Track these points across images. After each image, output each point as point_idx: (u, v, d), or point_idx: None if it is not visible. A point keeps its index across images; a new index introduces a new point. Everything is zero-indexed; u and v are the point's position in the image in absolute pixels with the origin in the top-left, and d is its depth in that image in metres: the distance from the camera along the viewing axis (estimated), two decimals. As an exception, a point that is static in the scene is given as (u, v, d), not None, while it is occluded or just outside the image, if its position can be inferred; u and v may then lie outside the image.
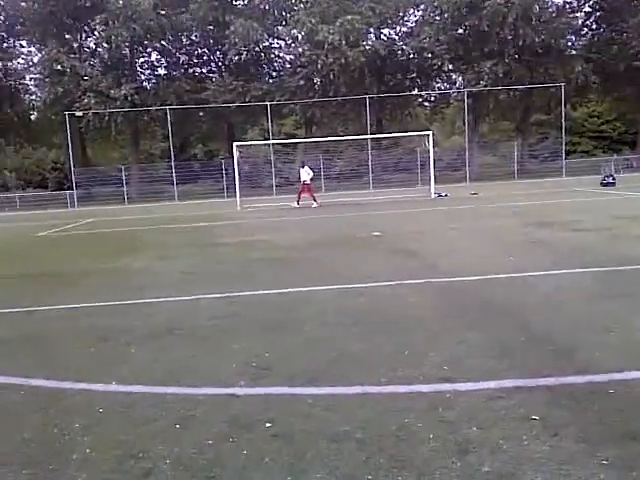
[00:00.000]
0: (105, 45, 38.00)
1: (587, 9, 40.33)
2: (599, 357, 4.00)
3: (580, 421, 3.06)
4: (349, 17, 33.31)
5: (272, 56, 40.48)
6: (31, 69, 41.42)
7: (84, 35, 40.87)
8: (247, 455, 2.91)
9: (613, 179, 23.68)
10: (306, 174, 21.57)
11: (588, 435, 2.90)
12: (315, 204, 21.18)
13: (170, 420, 3.38)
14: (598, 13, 40.26)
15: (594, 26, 40.98)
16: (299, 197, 21.85)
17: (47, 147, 47.85)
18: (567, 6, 37.43)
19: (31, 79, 42.27)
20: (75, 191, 34.25)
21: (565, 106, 36.41)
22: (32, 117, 45.30)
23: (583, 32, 40.60)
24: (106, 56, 37.99)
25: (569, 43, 37.53)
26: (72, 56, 37.17)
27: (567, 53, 35.95)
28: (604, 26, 39.99)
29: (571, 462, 2.66)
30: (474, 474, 2.61)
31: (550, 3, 34.96)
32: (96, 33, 38.44)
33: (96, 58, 39.18)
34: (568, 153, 40.41)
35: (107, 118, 35.93)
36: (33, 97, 43.54)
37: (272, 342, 4.77)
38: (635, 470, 2.56)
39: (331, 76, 34.49)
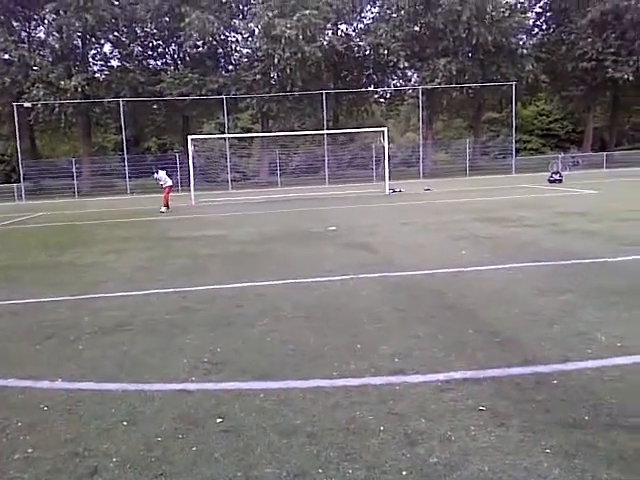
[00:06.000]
0: (56, 35, 36.92)
1: (538, 9, 41.42)
2: (544, 349, 4.11)
3: (525, 411, 3.13)
4: (306, 12, 33.23)
5: (229, 49, 40.04)
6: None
7: (33, 24, 39.59)
8: (196, 451, 2.88)
9: (560, 176, 24.42)
10: (165, 178, 20.03)
11: (533, 424, 2.97)
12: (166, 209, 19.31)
13: (118, 417, 3.31)
14: (548, 14, 41.36)
15: (544, 26, 42.06)
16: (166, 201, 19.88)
17: (-7, 139, 46.25)
18: (519, 5, 38.17)
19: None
20: (23, 184, 33.18)
21: (516, 104, 37.23)
22: (-22, 108, 43.63)
23: (534, 32, 41.61)
24: (57, 46, 36.89)
25: (520, 42, 38.30)
26: (21, 45, 36.00)
27: (518, 52, 36.68)
28: (554, 27, 41.06)
29: (516, 452, 2.72)
30: (423, 465, 2.65)
31: (503, 2, 35.57)
32: (46, 22, 37.31)
33: (46, 48, 37.96)
34: (518, 151, 41.46)
35: (57, 110, 34.95)
36: (-21, 88, 41.93)
37: (225, 337, 4.73)
38: (577, 457, 2.64)
39: (288, 71, 34.37)
